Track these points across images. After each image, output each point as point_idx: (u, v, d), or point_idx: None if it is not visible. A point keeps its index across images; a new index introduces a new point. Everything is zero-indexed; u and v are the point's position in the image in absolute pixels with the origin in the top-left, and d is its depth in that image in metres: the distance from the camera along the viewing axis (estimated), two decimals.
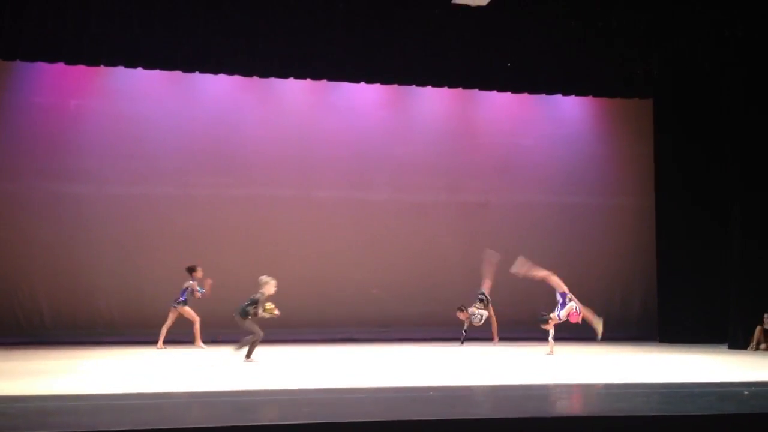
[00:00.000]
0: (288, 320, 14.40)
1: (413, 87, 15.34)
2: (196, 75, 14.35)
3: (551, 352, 12.23)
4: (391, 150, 16.12)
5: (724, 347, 13.91)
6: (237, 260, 15.03)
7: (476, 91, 15.67)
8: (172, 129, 15.18)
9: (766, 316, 13.45)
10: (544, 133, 16.82)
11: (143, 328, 14.59)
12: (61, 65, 13.65)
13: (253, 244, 15.25)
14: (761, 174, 14.05)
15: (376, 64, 14.02)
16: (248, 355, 10.49)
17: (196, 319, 13.32)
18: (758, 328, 13.51)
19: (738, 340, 13.80)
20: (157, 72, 14.23)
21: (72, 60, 13.24)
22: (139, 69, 13.76)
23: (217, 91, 15.29)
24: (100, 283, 14.68)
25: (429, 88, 15.32)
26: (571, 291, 16.36)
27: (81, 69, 14.03)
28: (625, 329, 16.49)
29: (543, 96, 16.01)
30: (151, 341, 14.04)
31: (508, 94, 15.89)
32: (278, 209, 15.57)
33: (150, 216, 15.02)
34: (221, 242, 15.16)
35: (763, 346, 13.41)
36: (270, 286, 10.68)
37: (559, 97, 16.02)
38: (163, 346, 13.14)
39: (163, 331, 13.23)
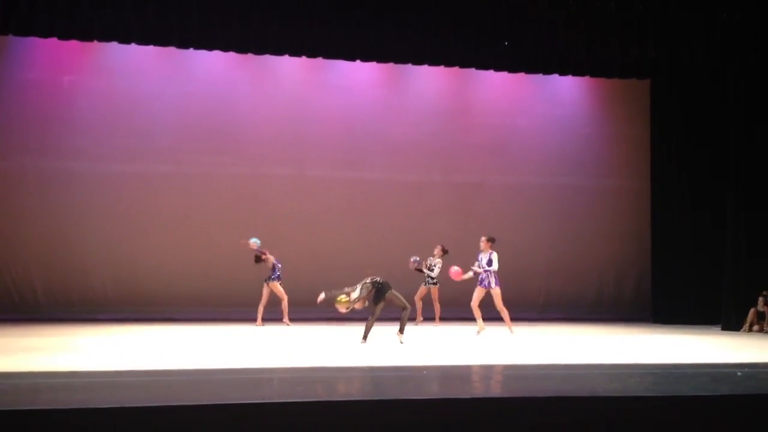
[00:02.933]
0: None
1: (409, 66, 15.23)
2: (191, 51, 14.20)
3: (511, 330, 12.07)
4: (386, 129, 16.04)
5: (718, 328, 13.98)
6: (230, 238, 14.97)
7: (472, 70, 15.53)
8: (166, 106, 15.07)
9: (760, 298, 13.49)
10: (541, 113, 16.75)
11: (137, 306, 14.59)
12: (53, 40, 13.49)
13: (246, 222, 15.18)
14: (756, 156, 14.05)
15: (371, 42, 13.88)
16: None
17: (284, 297, 13.54)
18: (752, 310, 13.56)
19: (731, 322, 13.86)
20: (151, 48, 14.08)
21: (65, 35, 13.08)
22: (133, 45, 13.63)
23: (212, 68, 15.16)
24: (93, 261, 14.63)
25: (425, 66, 15.20)
26: (565, 271, 16.47)
27: (74, 44, 13.90)
28: (618, 310, 16.55)
29: (539, 76, 15.91)
30: (145, 318, 14.05)
31: (505, 73, 15.78)
32: (272, 187, 15.51)
33: (143, 193, 14.94)
34: (215, 220, 15.10)
35: (756, 327, 13.46)
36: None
37: (555, 77, 15.93)
38: (262, 323, 13.34)
39: (260, 309, 13.44)
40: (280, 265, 13.57)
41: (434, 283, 14.24)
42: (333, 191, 15.71)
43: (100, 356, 8.74)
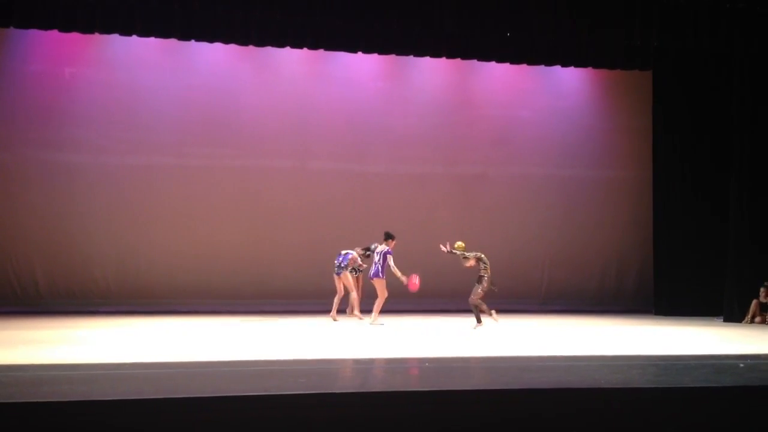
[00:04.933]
0: (285, 292, 14.46)
1: (411, 57, 15.18)
2: (192, 43, 14.18)
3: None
4: (388, 121, 16.01)
5: (720, 320, 13.96)
6: (232, 231, 15.00)
7: (474, 62, 15.50)
8: (168, 98, 15.04)
9: (762, 289, 13.48)
10: (543, 105, 16.71)
11: (138, 298, 14.60)
12: (55, 33, 13.47)
13: (248, 214, 15.20)
14: (760, 145, 14.01)
15: (373, 33, 13.86)
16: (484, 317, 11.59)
17: (352, 290, 12.96)
18: (754, 302, 13.54)
19: (733, 313, 13.84)
20: (152, 40, 14.05)
21: (66, 27, 13.06)
22: (134, 37, 13.58)
23: (213, 60, 15.12)
24: (95, 253, 14.64)
25: (427, 58, 15.15)
26: (567, 262, 16.45)
27: (75, 37, 13.87)
28: (621, 302, 16.55)
29: (542, 67, 15.85)
30: (147, 311, 14.07)
31: (507, 65, 15.73)
32: (274, 180, 15.49)
33: (145, 186, 14.94)
34: (217, 212, 15.10)
35: (758, 319, 13.44)
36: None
37: (558, 68, 15.88)
38: (337, 317, 12.81)
39: (336, 301, 12.93)
40: (341, 258, 13.03)
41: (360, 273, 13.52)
42: (335, 183, 15.69)
43: (102, 348, 8.75)
